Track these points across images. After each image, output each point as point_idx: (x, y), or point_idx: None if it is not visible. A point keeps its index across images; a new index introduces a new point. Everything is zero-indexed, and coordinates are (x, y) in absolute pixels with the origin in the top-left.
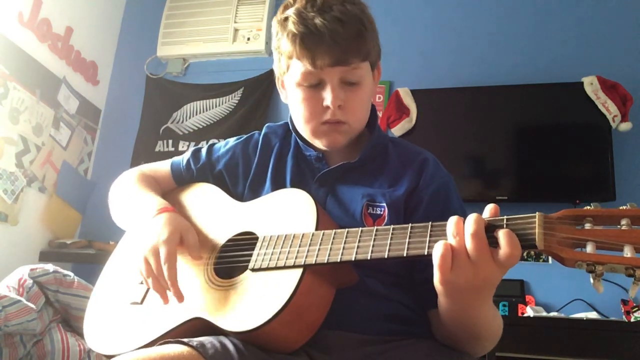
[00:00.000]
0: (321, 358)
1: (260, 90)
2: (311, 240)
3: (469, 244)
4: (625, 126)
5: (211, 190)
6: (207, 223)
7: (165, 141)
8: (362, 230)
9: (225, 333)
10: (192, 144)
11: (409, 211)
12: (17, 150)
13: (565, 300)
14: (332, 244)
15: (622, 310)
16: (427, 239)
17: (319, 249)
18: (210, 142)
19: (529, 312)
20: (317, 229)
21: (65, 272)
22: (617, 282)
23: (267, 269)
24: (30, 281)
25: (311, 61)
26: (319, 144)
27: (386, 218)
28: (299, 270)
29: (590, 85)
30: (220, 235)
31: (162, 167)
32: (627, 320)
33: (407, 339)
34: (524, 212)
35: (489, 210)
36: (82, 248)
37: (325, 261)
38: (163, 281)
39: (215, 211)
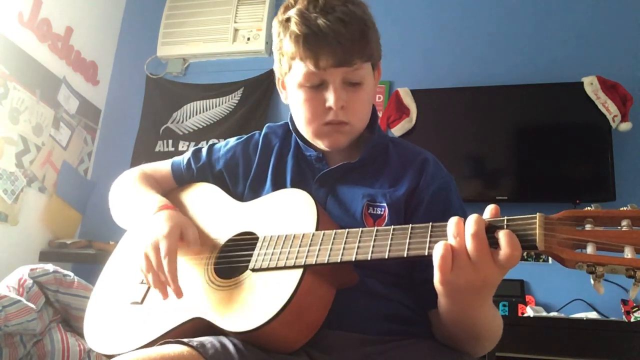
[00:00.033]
0: (321, 358)
1: (260, 90)
2: (311, 240)
3: (469, 244)
4: (625, 126)
5: (211, 190)
6: (207, 223)
7: (165, 141)
8: (362, 231)
9: (226, 333)
10: (192, 144)
11: (409, 211)
12: (17, 150)
13: (565, 300)
14: (332, 244)
15: (622, 310)
16: (428, 239)
17: (319, 249)
18: (211, 142)
19: (529, 312)
20: (317, 229)
21: (65, 272)
22: (617, 282)
23: (268, 269)
24: (30, 281)
25: (314, 62)
26: (320, 144)
27: (386, 218)
28: (299, 271)
29: (590, 85)
30: (220, 235)
31: (163, 167)
32: (627, 320)
33: (407, 339)
34: (524, 212)
35: (489, 210)
36: (82, 248)
37: (326, 261)
38: (163, 276)
39: (215, 211)
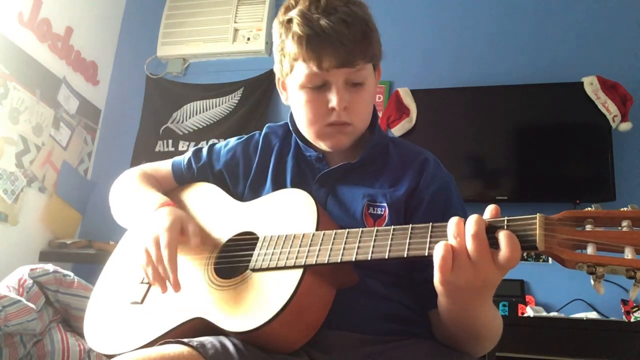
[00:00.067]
0: (321, 358)
1: (260, 90)
2: (311, 240)
3: (469, 244)
4: (625, 126)
5: (211, 190)
6: (207, 223)
7: (165, 141)
8: (362, 231)
9: (226, 333)
10: (192, 144)
11: (409, 211)
12: (17, 150)
13: (565, 300)
14: (332, 244)
15: (622, 310)
16: (428, 239)
17: (319, 250)
18: (211, 142)
19: (529, 312)
20: (317, 229)
21: (65, 272)
22: (617, 283)
23: (268, 269)
24: (30, 281)
25: (317, 63)
26: (323, 145)
27: (387, 218)
28: (300, 271)
29: (590, 85)
30: (220, 235)
31: (163, 167)
32: (627, 320)
33: (407, 339)
34: (524, 212)
35: (489, 211)
36: (82, 248)
37: (326, 261)
38: (162, 268)
39: (215, 211)
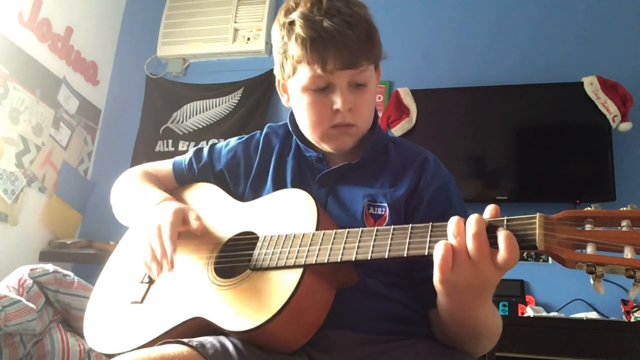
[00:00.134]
0: (321, 358)
1: (260, 90)
2: (311, 240)
3: (470, 244)
4: (625, 126)
5: (212, 190)
6: (208, 223)
7: (165, 141)
8: (362, 231)
9: (225, 333)
10: (192, 144)
11: (409, 211)
12: (17, 150)
13: (565, 300)
14: (332, 244)
15: (622, 310)
16: (428, 239)
17: (319, 249)
18: (212, 142)
19: (529, 312)
20: (317, 229)
21: (65, 272)
22: (617, 283)
23: (268, 268)
24: (30, 281)
25: (322, 65)
26: (326, 147)
27: (387, 218)
28: (299, 270)
29: (590, 85)
30: (221, 235)
31: (164, 166)
32: (627, 320)
33: (408, 339)
34: (524, 212)
35: (489, 210)
36: (82, 248)
37: (326, 261)
38: (161, 246)
39: (216, 211)
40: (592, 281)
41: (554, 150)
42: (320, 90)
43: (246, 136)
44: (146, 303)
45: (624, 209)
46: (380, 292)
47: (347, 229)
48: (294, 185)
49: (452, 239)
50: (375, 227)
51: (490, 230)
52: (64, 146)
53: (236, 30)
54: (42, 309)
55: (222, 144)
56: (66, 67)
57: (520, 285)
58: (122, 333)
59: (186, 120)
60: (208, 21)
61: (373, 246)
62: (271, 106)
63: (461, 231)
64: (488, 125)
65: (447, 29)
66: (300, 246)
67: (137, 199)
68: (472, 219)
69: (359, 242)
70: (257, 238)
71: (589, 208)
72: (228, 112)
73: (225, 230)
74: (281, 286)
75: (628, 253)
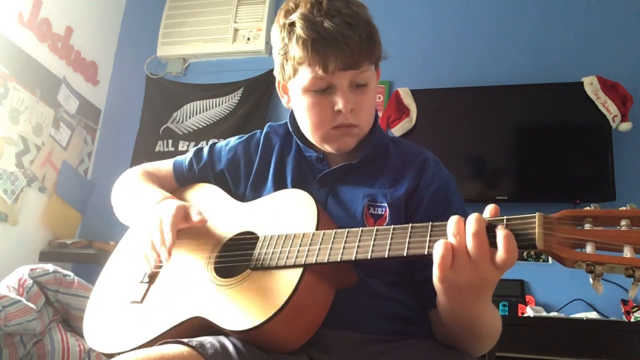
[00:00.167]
0: (321, 358)
1: (260, 90)
2: (311, 240)
3: (470, 243)
4: (625, 126)
5: (212, 190)
6: (208, 223)
7: (165, 141)
8: (362, 230)
9: (225, 332)
10: (192, 144)
11: (409, 211)
12: (17, 150)
13: (565, 300)
14: (332, 243)
15: (622, 310)
16: (428, 238)
17: (319, 249)
18: (212, 141)
19: (529, 312)
20: (317, 229)
21: (65, 272)
22: (617, 282)
23: (268, 268)
24: (30, 281)
25: (323, 66)
26: (328, 148)
27: (387, 218)
28: (299, 270)
29: (590, 85)
30: (221, 234)
31: (165, 166)
32: (627, 320)
33: (408, 339)
34: (524, 212)
35: (489, 210)
36: (82, 248)
37: (326, 261)
38: (160, 236)
39: (216, 211)
40: (591, 280)
41: (554, 150)
42: (321, 92)
43: (246, 135)
44: (146, 303)
45: (624, 208)
46: (380, 292)
47: (347, 229)
48: (294, 185)
49: (451, 238)
50: (375, 227)
51: (489, 229)
52: (64, 146)
53: (236, 30)
54: (42, 309)
55: (222, 143)
56: (66, 67)
57: (520, 285)
58: (122, 333)
59: (186, 120)
60: (208, 21)
61: (373, 246)
62: (271, 106)
63: (461, 230)
64: (488, 125)
65: (447, 29)
66: (300, 246)
67: (138, 198)
68: (472, 218)
69: (359, 241)
70: (257, 238)
71: (588, 208)
72: (228, 112)
73: (226, 230)
74: (281, 286)
75: (627, 252)
